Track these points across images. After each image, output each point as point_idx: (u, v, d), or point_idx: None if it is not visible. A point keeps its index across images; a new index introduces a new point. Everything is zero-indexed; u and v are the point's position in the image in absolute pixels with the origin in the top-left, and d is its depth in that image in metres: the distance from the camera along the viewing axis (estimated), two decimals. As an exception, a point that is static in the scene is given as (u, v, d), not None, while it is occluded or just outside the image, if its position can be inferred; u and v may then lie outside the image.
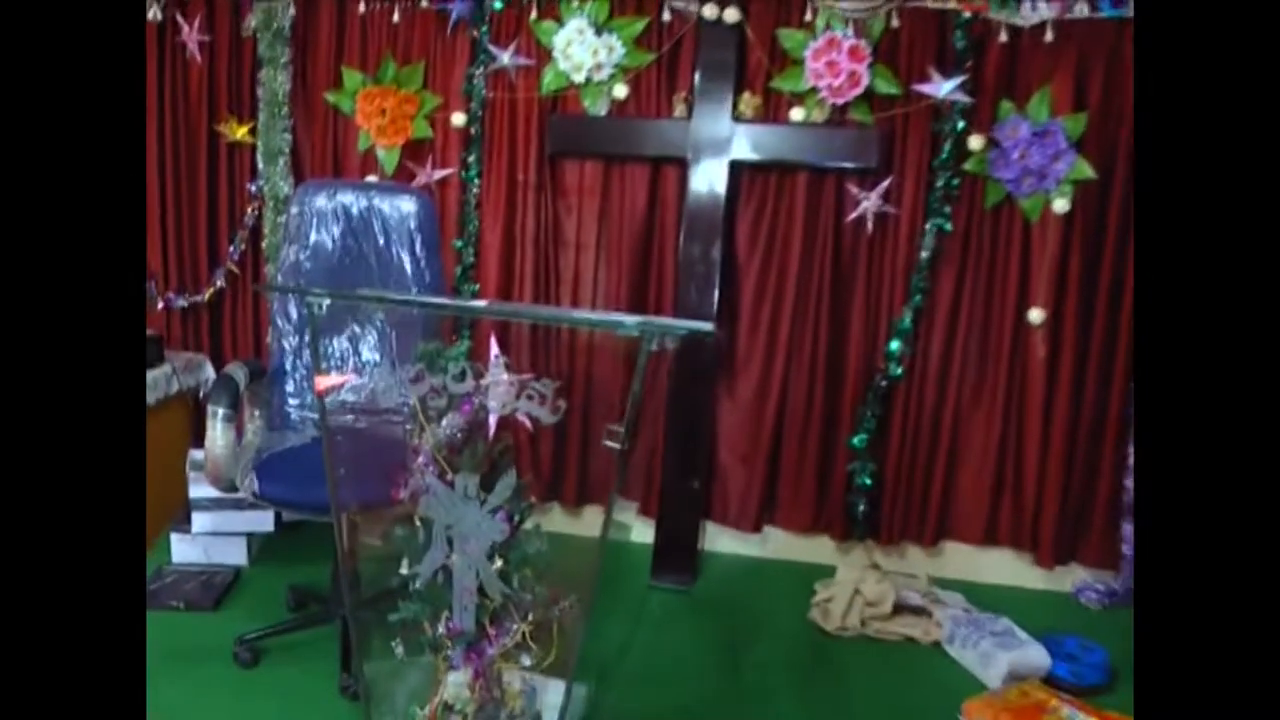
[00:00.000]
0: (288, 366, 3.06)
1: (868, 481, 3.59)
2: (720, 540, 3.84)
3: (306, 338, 3.04)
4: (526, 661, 2.21)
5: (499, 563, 2.09)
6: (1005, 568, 3.68)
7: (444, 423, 2.07)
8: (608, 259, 3.70)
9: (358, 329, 3.07)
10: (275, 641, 2.92)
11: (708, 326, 1.83)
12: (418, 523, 2.19)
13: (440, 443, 2.07)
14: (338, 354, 3.07)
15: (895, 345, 3.52)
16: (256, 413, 3.05)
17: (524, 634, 2.20)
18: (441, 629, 2.19)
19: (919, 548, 3.71)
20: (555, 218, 3.70)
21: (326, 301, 2.04)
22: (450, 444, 2.09)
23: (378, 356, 3.04)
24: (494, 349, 2.08)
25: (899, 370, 3.53)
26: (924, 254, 3.47)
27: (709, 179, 3.46)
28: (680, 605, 3.44)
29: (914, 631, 3.29)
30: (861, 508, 3.61)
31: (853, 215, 3.50)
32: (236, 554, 3.45)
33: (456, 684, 2.23)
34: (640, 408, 1.90)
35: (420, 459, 2.10)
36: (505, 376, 2.03)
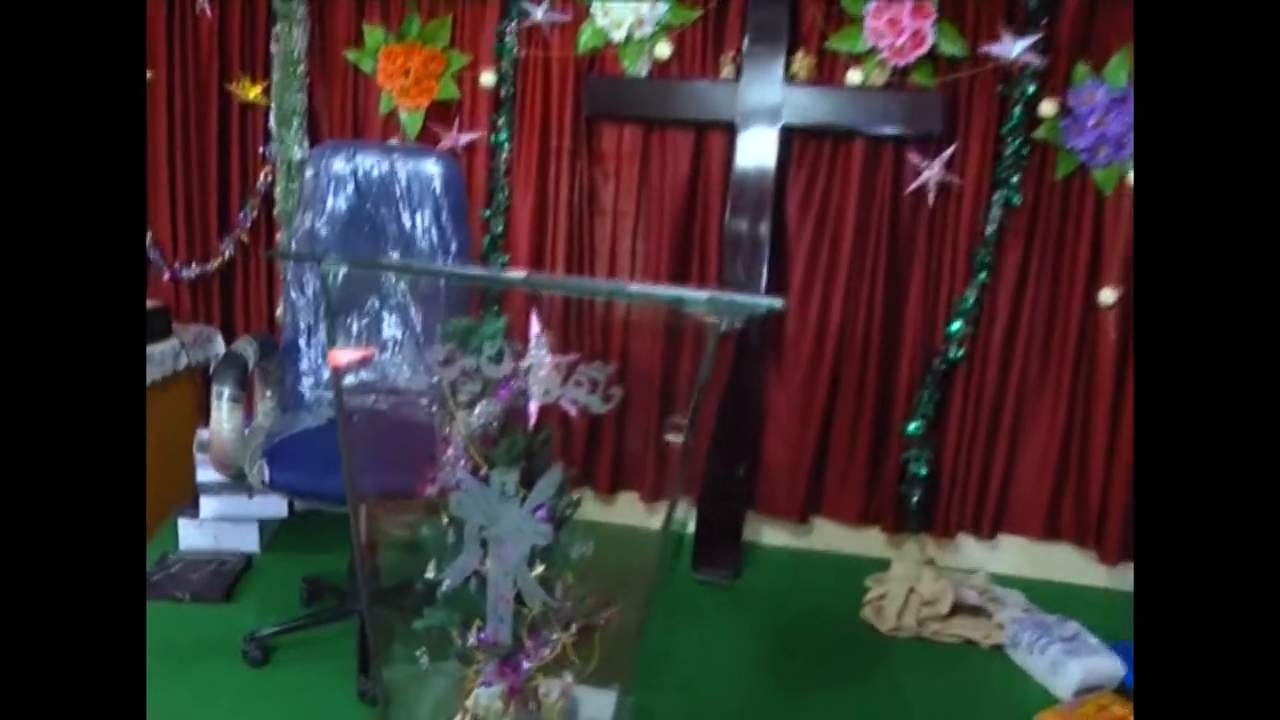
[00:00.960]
0: (302, 342, 2.77)
1: (923, 471, 3.30)
2: (763, 531, 3.55)
3: (322, 311, 2.75)
4: (568, 678, 1.94)
5: (539, 568, 1.82)
6: (1066, 564, 3.39)
7: (477, 410, 1.79)
8: (647, 230, 3.39)
9: (377, 303, 2.78)
10: (288, 638, 2.65)
11: (777, 303, 1.54)
12: (444, 519, 1.91)
13: (473, 433, 1.78)
14: (355, 330, 2.78)
15: (956, 326, 3.22)
16: (268, 392, 2.77)
17: (565, 646, 1.92)
18: (472, 639, 1.92)
19: (975, 541, 3.42)
20: (591, 185, 3.39)
21: (343, 269, 1.75)
22: (484, 434, 1.80)
23: (399, 334, 2.76)
24: (534, 326, 1.79)
25: (959, 353, 3.23)
26: (989, 228, 3.16)
27: (757, 146, 3.15)
28: (724, 600, 3.16)
29: (974, 634, 3.00)
30: (916, 499, 3.32)
31: (912, 186, 3.19)
32: (248, 540, 3.17)
33: (489, 696, 1.96)
34: (706, 395, 1.60)
35: (450, 451, 1.81)
36: (548, 358, 1.74)
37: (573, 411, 1.77)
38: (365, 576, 2.08)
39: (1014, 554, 3.42)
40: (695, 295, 1.66)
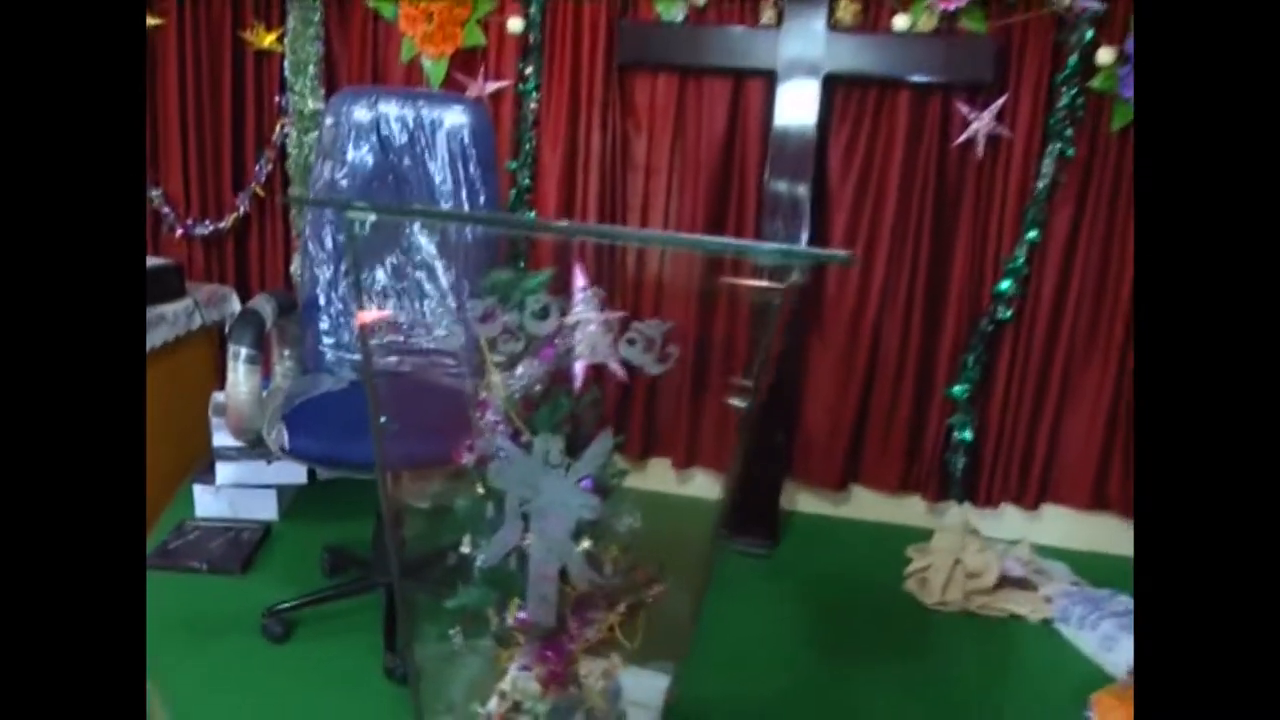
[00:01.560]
0: (321, 300, 2.60)
1: (968, 436, 3.13)
2: (799, 499, 3.38)
3: (343, 266, 2.58)
4: (615, 660, 1.78)
5: (585, 543, 1.65)
6: (1112, 535, 3.21)
7: (518, 371, 1.62)
8: (681, 184, 3.20)
9: (401, 258, 2.60)
10: (310, 612, 2.49)
11: (843, 254, 1.37)
12: (478, 488, 1.75)
13: (514, 396, 1.62)
14: (378, 286, 2.61)
15: (1006, 285, 3.03)
16: (286, 353, 2.60)
17: (612, 625, 1.77)
18: (510, 619, 1.76)
19: (1018, 510, 3.25)
20: (623, 137, 3.19)
21: (371, 218, 1.57)
22: (526, 397, 1.63)
23: (425, 292, 2.58)
24: (579, 280, 1.61)
25: (1008, 313, 3.05)
26: (1041, 183, 2.96)
27: (799, 96, 2.95)
28: (762, 572, 2.99)
29: (1021, 608, 2.84)
30: (959, 466, 3.15)
31: (961, 138, 2.99)
32: (266, 508, 3.02)
33: (526, 678, 1.81)
34: (771, 356, 1.43)
35: (488, 415, 1.64)
36: (595, 314, 1.57)
37: (620, 373, 1.60)
38: (395, 551, 1.91)
39: (1058, 525, 3.25)
40: (764, 246, 1.49)
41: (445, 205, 2.53)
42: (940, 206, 3.06)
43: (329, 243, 2.58)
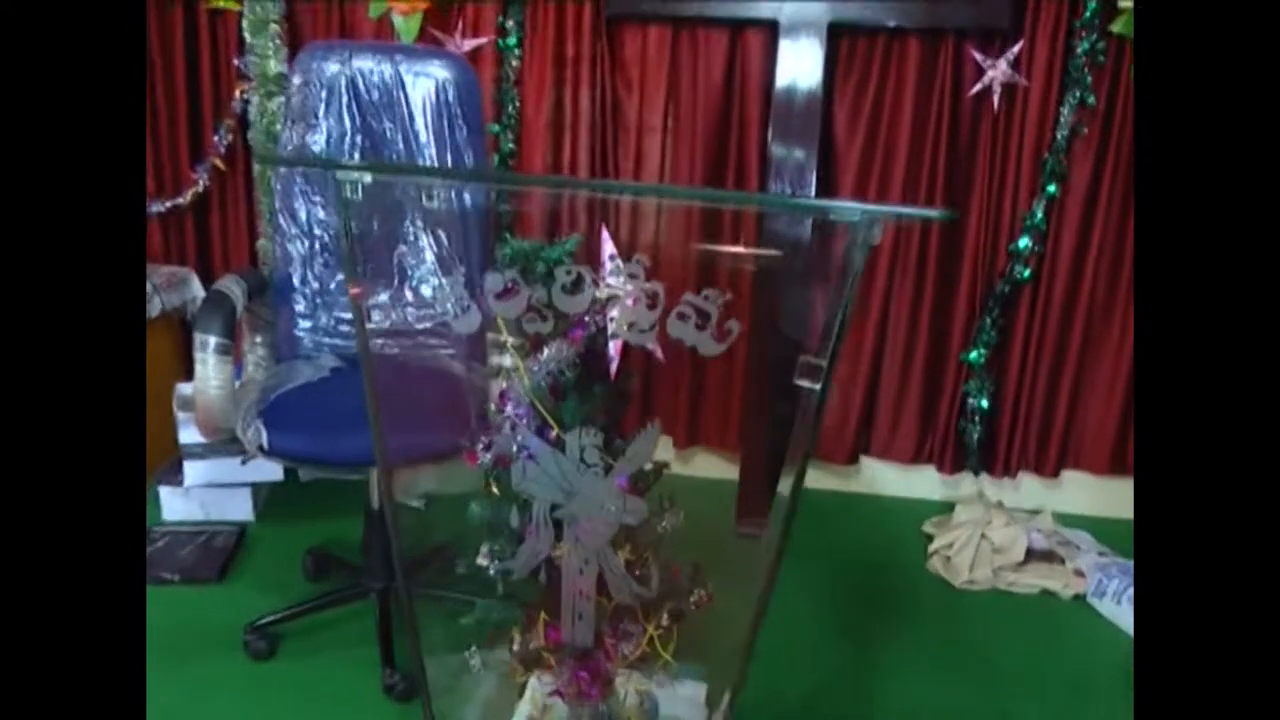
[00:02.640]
0: (296, 280, 2.31)
1: (985, 404, 2.91)
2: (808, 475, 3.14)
3: (319, 245, 2.29)
4: (656, 680, 1.54)
5: (624, 551, 1.40)
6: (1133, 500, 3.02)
7: (544, 355, 1.36)
8: (676, 145, 2.92)
9: (386, 230, 2.31)
10: (296, 624, 2.23)
11: (938, 212, 1.14)
12: (494, 489, 1.49)
13: (542, 386, 1.35)
14: (365, 265, 2.33)
15: (1024, 243, 2.80)
16: (258, 339, 2.31)
17: (652, 638, 1.52)
18: (536, 640, 1.51)
19: (1037, 479, 3.04)
20: (614, 95, 2.90)
21: (367, 178, 1.30)
22: (555, 386, 1.37)
23: (414, 268, 2.30)
24: (607, 247, 1.35)
25: (1026, 272, 2.82)
26: (1060, 134, 2.73)
27: (802, 46, 2.68)
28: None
29: (1053, 583, 2.63)
30: (977, 434, 2.93)
31: (975, 88, 2.75)
32: (240, 508, 2.73)
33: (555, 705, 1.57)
34: (846, 330, 1.17)
35: (510, 408, 1.38)
36: (630, 285, 1.31)
37: (658, 353, 1.35)
38: (399, 560, 1.65)
39: (1078, 491, 3.04)
40: (845, 204, 1.23)
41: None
42: (953, 161, 2.82)
43: (303, 215, 2.29)
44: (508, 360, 1.40)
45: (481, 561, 1.47)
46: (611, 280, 1.32)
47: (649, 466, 1.37)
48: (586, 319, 1.33)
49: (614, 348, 1.34)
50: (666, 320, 1.24)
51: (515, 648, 1.52)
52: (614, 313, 1.32)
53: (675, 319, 1.24)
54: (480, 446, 1.40)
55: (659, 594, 1.46)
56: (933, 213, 1.14)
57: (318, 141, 2.26)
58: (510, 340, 1.35)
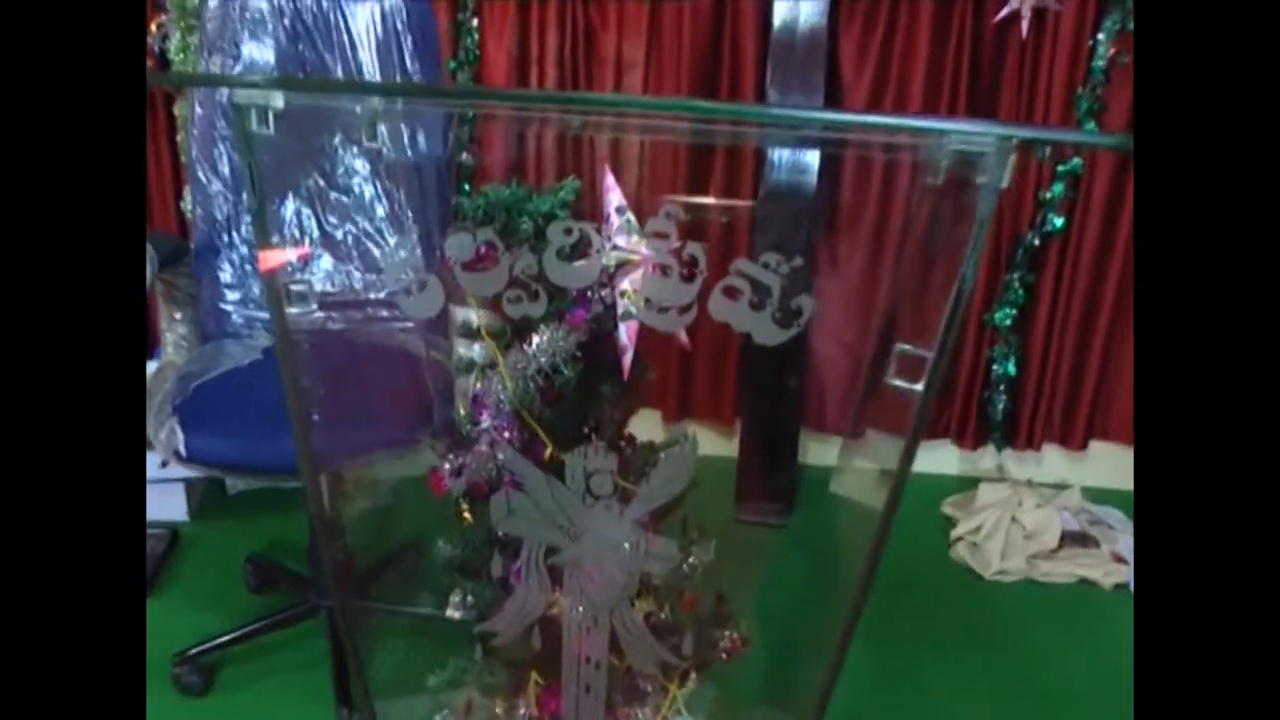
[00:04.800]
0: (219, 243, 1.89)
1: (1011, 370, 2.55)
2: (809, 449, 2.78)
3: (245, 179, 1.87)
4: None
5: (646, 604, 1.03)
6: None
7: (532, 346, 0.97)
8: (659, 84, 2.50)
9: (320, 182, 1.90)
10: (237, 649, 1.84)
11: (1115, 137, 0.79)
12: (466, 515, 1.10)
13: (531, 389, 0.96)
14: (294, 223, 1.91)
15: (1057, 189, 2.43)
16: (177, 316, 1.89)
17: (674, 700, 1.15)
18: (527, 709, 1.13)
19: (1062, 451, 2.70)
20: (587, 27, 2.47)
21: (277, 101, 0.89)
22: (547, 388, 0.98)
23: (359, 224, 1.88)
24: (612, 195, 0.96)
25: (1060, 222, 2.45)
26: (1097, 63, 2.35)
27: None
28: (779, 546, 2.41)
29: (1092, 571, 2.30)
30: (1002, 405, 2.58)
31: (1001, 14, 2.35)
32: (172, 507, 2.31)
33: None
34: (964, 311, 0.78)
35: (487, 418, 0.99)
36: (648, 247, 0.92)
37: (683, 339, 0.97)
38: (342, 602, 1.26)
39: (1106, 463, 2.70)
40: (969, 127, 0.85)
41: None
42: (975, 95, 2.43)
43: (224, 165, 1.86)
44: (479, 351, 1.01)
45: (452, 614, 1.10)
46: (620, 240, 0.93)
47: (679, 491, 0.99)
48: (590, 294, 0.94)
49: (626, 333, 0.95)
50: (709, 297, 0.86)
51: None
52: (625, 284, 0.94)
53: (720, 295, 0.86)
54: (447, 467, 1.01)
55: (699, 655, 1.10)
56: (1107, 139, 0.84)
57: (241, 75, 1.83)
58: (484, 324, 0.96)
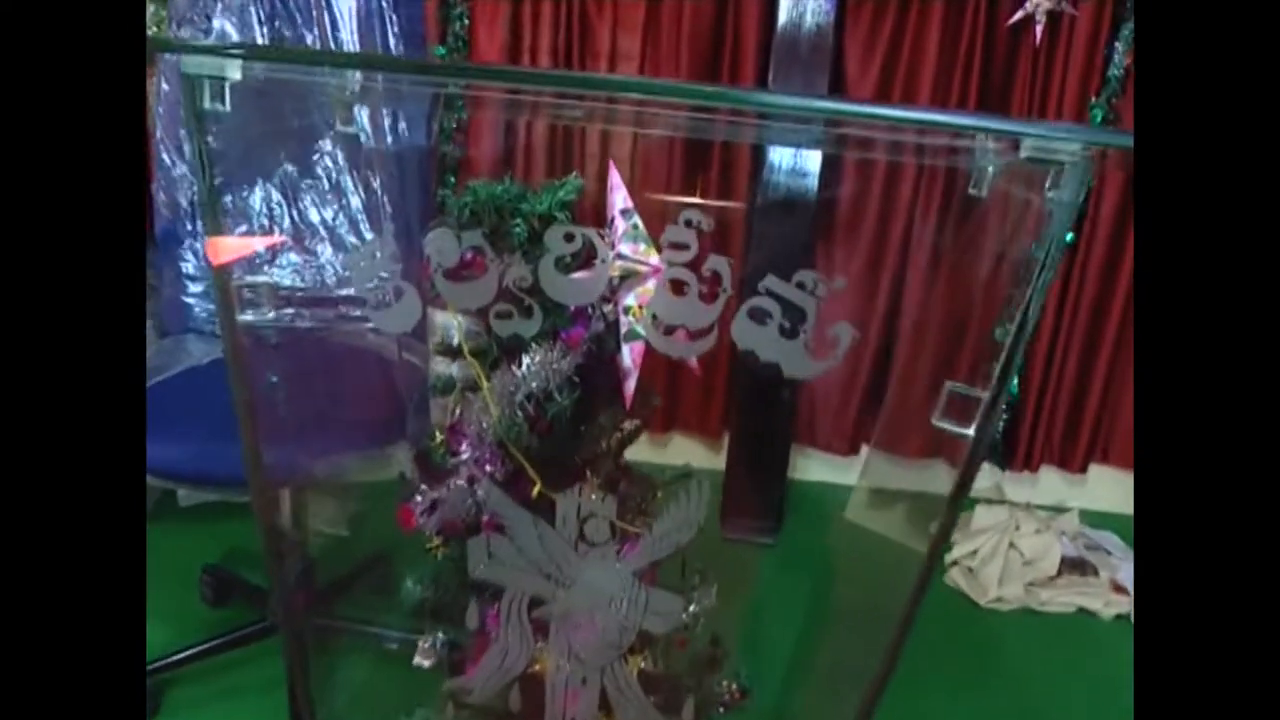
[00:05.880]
0: (183, 231, 1.75)
1: (1011, 387, 2.45)
2: (797, 464, 2.65)
3: (193, 156, 1.72)
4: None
5: (641, 660, 0.90)
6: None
7: (522, 369, 0.83)
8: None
9: (291, 170, 1.75)
10: (190, 669, 1.70)
11: None
12: (438, 550, 0.97)
13: (518, 419, 0.83)
14: (263, 212, 1.77)
15: (1067, 202, 2.32)
16: (135, 309, 1.74)
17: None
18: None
19: (1060, 474, 2.59)
20: (582, 17, 2.34)
21: (234, 73, 0.75)
22: (537, 418, 0.85)
23: (332, 214, 1.74)
24: (617, 195, 0.83)
25: (1071, 236, 2.34)
26: (1113, 72, 2.25)
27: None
28: (767, 567, 2.28)
29: (1092, 601, 2.19)
30: (1002, 423, 2.47)
31: (1015, 17, 2.24)
32: (126, 510, 2.16)
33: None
34: (1031, 331, 0.66)
35: (467, 449, 0.85)
36: (657, 258, 0.79)
37: (693, 365, 0.84)
38: (289, 617, 1.13)
39: (1104, 487, 2.60)
40: (1047, 130, 0.72)
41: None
42: (985, 101, 2.32)
43: (190, 147, 1.72)
44: (460, 369, 0.87)
45: (420, 662, 0.96)
46: (626, 248, 0.80)
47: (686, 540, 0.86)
48: (591, 310, 0.81)
49: (630, 355, 0.82)
50: (732, 320, 0.73)
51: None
52: (630, 299, 0.81)
53: (746, 318, 0.72)
54: (418, 501, 0.88)
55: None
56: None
57: (209, 53, 1.69)
58: (467, 342, 0.83)
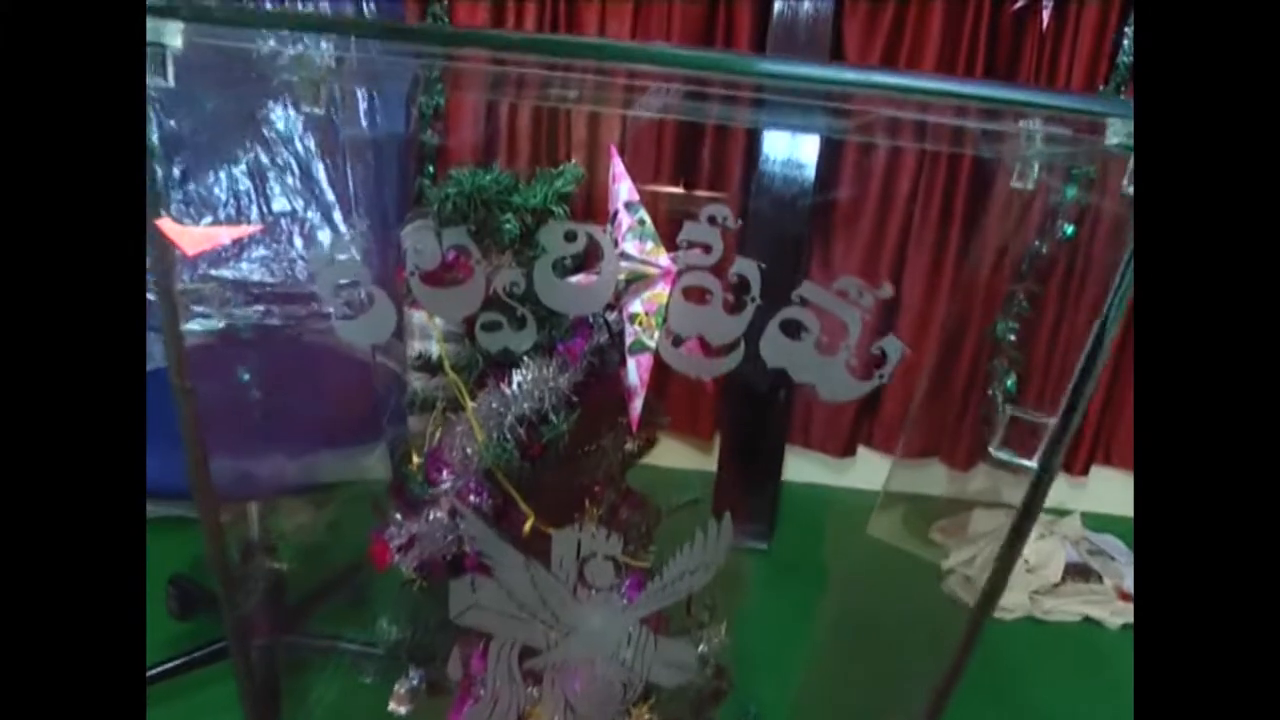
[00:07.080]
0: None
1: (1011, 385, 2.35)
2: (790, 465, 2.55)
3: (179, 170, 1.59)
4: None
5: (643, 710, 0.79)
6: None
7: (513, 387, 0.72)
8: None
9: (262, 155, 1.62)
10: (154, 687, 1.58)
11: None
12: (413, 586, 0.86)
13: (508, 444, 0.71)
14: (225, 199, 1.64)
15: (1070, 192, 2.22)
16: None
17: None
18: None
19: (1062, 476, 2.50)
20: (569, 2, 2.22)
21: (174, 39, 0.64)
22: (529, 443, 0.73)
23: (301, 203, 1.62)
24: (621, 186, 0.72)
25: (1070, 229, 2.25)
26: (1121, 60, 2.15)
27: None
28: (759, 574, 2.18)
29: (1098, 610, 2.10)
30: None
31: (1020, 2, 2.14)
32: (86, 515, 2.04)
33: None
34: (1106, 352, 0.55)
35: (448, 479, 0.74)
36: (669, 259, 0.68)
37: (707, 379, 0.73)
38: (235, 632, 1.01)
39: (1107, 489, 2.52)
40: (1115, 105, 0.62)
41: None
42: (988, 92, 2.22)
43: (154, 128, 1.59)
44: (440, 385, 0.76)
45: (396, 709, 0.85)
46: (631, 246, 0.69)
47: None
48: (592, 320, 0.69)
49: (637, 370, 0.71)
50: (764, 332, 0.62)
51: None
52: (636, 305, 0.69)
53: (778, 330, 0.61)
54: (394, 534, 0.76)
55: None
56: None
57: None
58: (448, 357, 0.71)
